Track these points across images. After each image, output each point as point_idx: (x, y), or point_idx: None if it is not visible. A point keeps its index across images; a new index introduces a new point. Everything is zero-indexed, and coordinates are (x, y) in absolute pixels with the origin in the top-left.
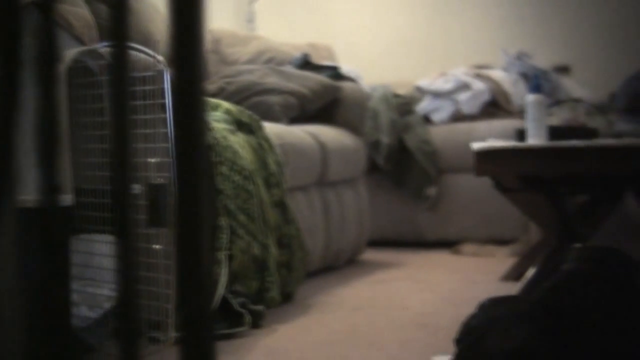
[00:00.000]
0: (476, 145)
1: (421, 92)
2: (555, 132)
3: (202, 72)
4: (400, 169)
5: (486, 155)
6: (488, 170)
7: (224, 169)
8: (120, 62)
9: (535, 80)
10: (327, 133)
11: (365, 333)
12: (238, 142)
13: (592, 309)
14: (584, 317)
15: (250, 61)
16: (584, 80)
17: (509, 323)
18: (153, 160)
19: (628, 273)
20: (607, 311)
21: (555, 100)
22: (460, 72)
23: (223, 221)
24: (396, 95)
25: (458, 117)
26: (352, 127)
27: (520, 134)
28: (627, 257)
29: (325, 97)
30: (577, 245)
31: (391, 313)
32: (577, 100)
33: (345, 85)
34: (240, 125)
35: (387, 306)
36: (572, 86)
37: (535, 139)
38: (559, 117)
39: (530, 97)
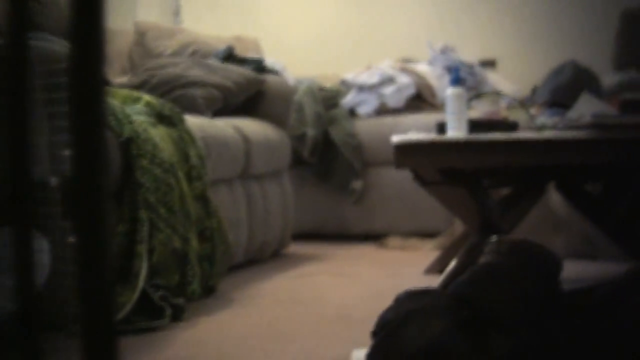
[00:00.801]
0: (396, 138)
1: (347, 85)
2: (475, 125)
3: (102, 63)
4: (326, 163)
5: (406, 148)
6: (408, 163)
7: (144, 162)
8: (19, 55)
9: (455, 73)
10: (251, 126)
11: (285, 326)
12: (159, 135)
13: (507, 302)
14: (499, 311)
15: (175, 54)
16: (509, 74)
17: (425, 317)
18: (67, 152)
19: (545, 266)
20: (523, 304)
21: (476, 93)
22: (385, 66)
23: (143, 214)
24: (322, 89)
25: (383, 110)
26: (277, 120)
27: (441, 127)
28: (544, 250)
29: (249, 90)
30: (495, 238)
31: (313, 306)
32: (498, 94)
33: (270, 78)
34: (162, 118)
35: (309, 299)
36: (497, 80)
37: (454, 132)
38: (479, 111)
39: (450, 90)
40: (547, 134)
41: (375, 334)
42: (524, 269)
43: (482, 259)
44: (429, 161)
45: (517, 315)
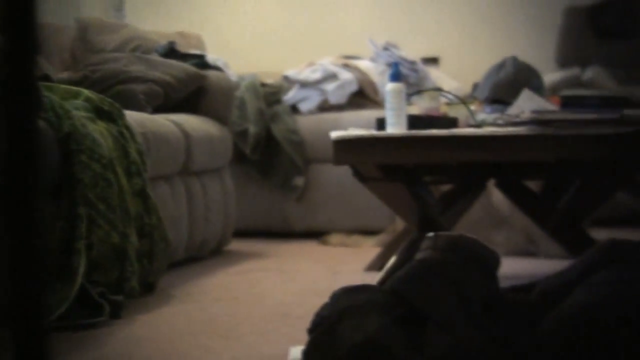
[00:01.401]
0: (334, 134)
1: (289, 81)
2: (414, 121)
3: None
4: (268, 159)
5: (345, 144)
6: (347, 159)
7: (83, 158)
8: None
9: (395, 69)
10: (192, 122)
11: (225, 323)
12: (98, 130)
13: (444, 298)
14: (435, 307)
15: (117, 49)
16: (452, 71)
17: (361, 313)
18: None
19: (482, 262)
20: (460, 301)
21: (416, 89)
22: (328, 62)
23: (82, 210)
24: (264, 85)
25: (325, 107)
26: (218, 116)
27: (380, 123)
28: (481, 246)
29: (190, 85)
30: (431, 234)
31: (252, 303)
32: (438, 90)
33: (212, 74)
34: (101, 114)
35: (249, 296)
36: (439, 77)
37: (394, 128)
38: (419, 107)
39: (390, 86)
40: (487, 130)
41: (311, 331)
42: (461, 265)
43: (419, 255)
44: (368, 157)
45: (454, 311)
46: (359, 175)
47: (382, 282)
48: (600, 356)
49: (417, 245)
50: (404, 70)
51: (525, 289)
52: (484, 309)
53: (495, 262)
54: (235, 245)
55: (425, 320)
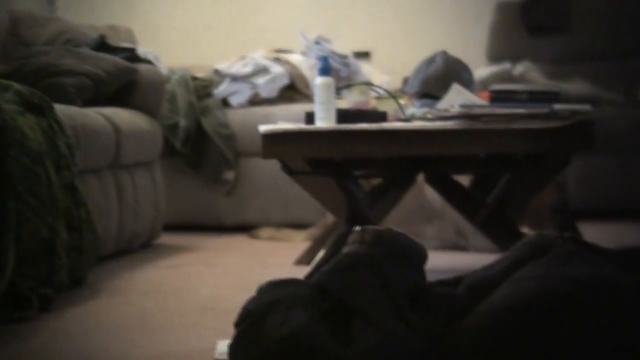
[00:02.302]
0: (263, 128)
1: (220, 75)
2: (343, 115)
3: None
4: (198, 153)
5: (273, 138)
6: (275, 153)
7: (13, 152)
8: None
9: (324, 63)
10: (122, 115)
11: (154, 317)
12: (27, 123)
13: (370, 292)
14: (362, 301)
15: (49, 42)
16: (384, 65)
17: (287, 307)
18: None
19: (409, 256)
20: (387, 294)
21: (346, 83)
22: (259, 56)
23: (10, 204)
24: (195, 78)
25: (256, 100)
26: (149, 109)
27: (309, 117)
28: (408, 240)
29: (121, 79)
30: (358, 228)
31: (182, 297)
32: (368, 84)
33: (142, 67)
34: (31, 107)
35: (178, 290)
36: (371, 71)
37: (322, 121)
38: (349, 101)
39: (319, 80)
40: (415, 125)
41: (237, 324)
42: (387, 258)
43: (346, 249)
44: (297, 151)
45: (380, 305)
46: (288, 169)
47: (310, 275)
48: (524, 350)
49: (345, 239)
50: (335, 64)
51: (452, 283)
52: (411, 302)
53: (422, 256)
54: (165, 239)
55: (351, 314)
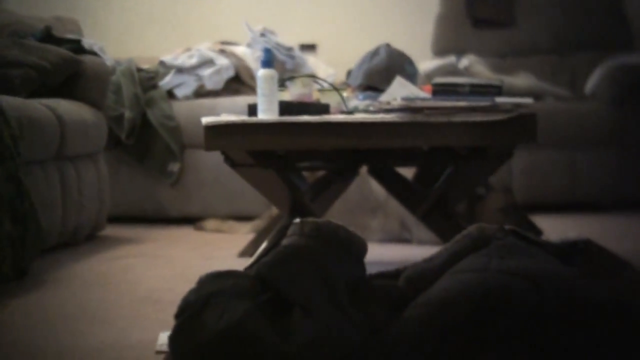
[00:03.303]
0: (205, 120)
1: (165, 67)
2: (286, 108)
3: None
4: (143, 145)
5: (216, 130)
6: (218, 145)
7: None
8: None
9: (267, 55)
10: (67, 107)
11: (96, 309)
12: None
13: (310, 284)
14: (301, 293)
15: None
16: (330, 58)
17: (226, 299)
18: None
19: (349, 248)
20: (326, 286)
21: (289, 76)
22: (204, 48)
23: None
24: (140, 70)
25: (202, 92)
26: (93, 101)
27: (252, 109)
28: (348, 232)
29: (65, 70)
30: (297, 220)
31: (125, 289)
32: (311, 77)
33: (87, 58)
34: None
35: (121, 282)
36: (316, 64)
37: (265, 114)
38: (291, 93)
39: (261, 72)
40: (357, 117)
41: (177, 316)
42: (326, 251)
43: (286, 241)
44: (239, 143)
45: (319, 297)
46: (230, 161)
47: (250, 267)
48: (462, 342)
49: (286, 231)
50: (280, 56)
51: (392, 275)
52: (350, 294)
53: (361, 248)
54: (110, 231)
55: (291, 306)
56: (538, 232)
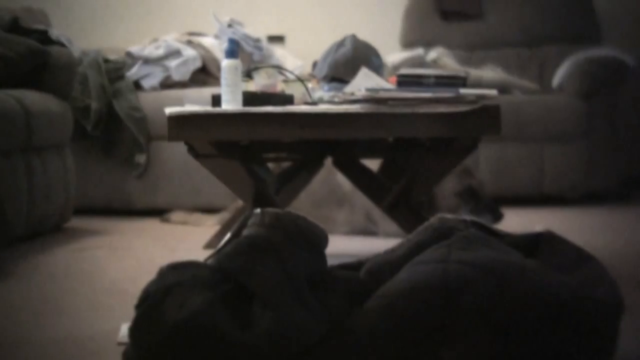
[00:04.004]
0: (169, 110)
1: (132, 58)
2: (250, 98)
3: None
4: (110, 136)
5: (179, 120)
6: (181, 136)
7: None
8: None
9: (230, 46)
10: (33, 98)
11: (59, 300)
12: None
13: (269, 275)
14: (261, 284)
15: None
16: (298, 50)
17: (186, 290)
18: None
19: (309, 239)
20: (286, 277)
21: (253, 67)
22: (171, 39)
23: None
24: (107, 61)
25: (169, 83)
26: (60, 92)
27: (216, 100)
28: (308, 223)
29: (32, 61)
30: (258, 210)
31: (88, 280)
32: (276, 67)
33: (54, 49)
34: None
35: (85, 273)
36: (284, 55)
37: (228, 104)
38: (256, 84)
39: (225, 63)
40: (321, 108)
41: (138, 306)
42: (287, 241)
43: (246, 232)
44: (202, 134)
45: (278, 288)
46: (194, 151)
47: (211, 258)
48: (421, 334)
49: (247, 222)
50: (248, 48)
51: (354, 267)
52: (311, 285)
53: (322, 240)
54: (76, 222)
55: (251, 297)
56: (498, 215)
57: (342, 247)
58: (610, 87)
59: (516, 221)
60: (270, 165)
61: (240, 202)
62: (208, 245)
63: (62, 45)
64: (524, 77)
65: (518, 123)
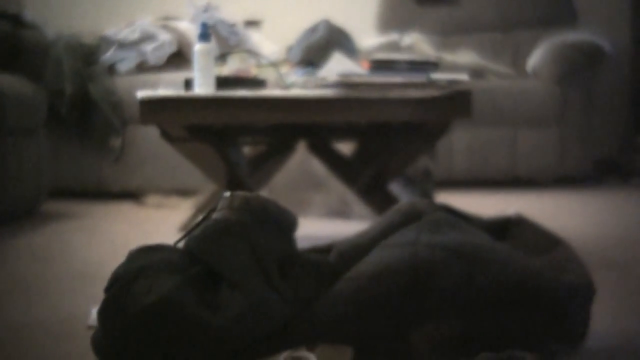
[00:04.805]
0: (141, 94)
1: (107, 41)
2: (222, 82)
3: None
4: (85, 120)
5: (151, 104)
6: (153, 119)
7: None
8: None
9: (203, 29)
10: (6, 81)
11: (31, 283)
12: None
13: (238, 258)
14: (229, 267)
15: None
16: (274, 35)
17: (155, 272)
18: None
19: (278, 222)
20: (255, 260)
21: (226, 51)
22: (146, 23)
23: None
24: (81, 44)
25: (144, 67)
26: (33, 75)
27: (188, 83)
28: (277, 207)
29: (5, 44)
30: (227, 193)
31: (59, 264)
32: (249, 52)
33: (27, 33)
34: None
35: (56, 257)
36: (260, 40)
37: (201, 88)
38: (229, 68)
39: (198, 47)
40: (293, 92)
41: (107, 290)
42: (255, 224)
43: (215, 215)
44: (174, 118)
45: (247, 271)
46: (167, 135)
47: (180, 241)
48: (389, 317)
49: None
50: (223, 32)
51: (324, 250)
52: (280, 268)
53: (291, 223)
54: (50, 206)
55: (220, 280)
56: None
57: (316, 229)
58: (585, 72)
59: (489, 204)
60: (247, 149)
61: (215, 186)
62: (183, 229)
63: (35, 28)
64: (499, 61)
65: (492, 107)
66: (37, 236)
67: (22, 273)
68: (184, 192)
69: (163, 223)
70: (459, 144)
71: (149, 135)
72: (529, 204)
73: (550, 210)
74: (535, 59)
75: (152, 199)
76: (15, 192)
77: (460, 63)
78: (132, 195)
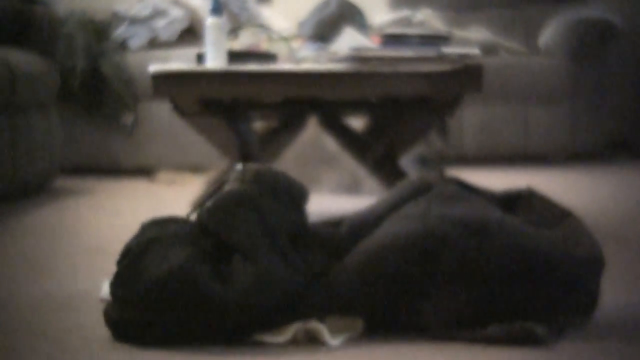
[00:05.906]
0: (153, 68)
1: (118, 17)
2: (234, 56)
3: None
4: (96, 96)
5: (164, 78)
6: (166, 93)
7: None
8: None
9: (215, 3)
10: (17, 56)
11: (44, 259)
12: None
13: (250, 230)
14: (241, 239)
15: None
16: (284, 11)
17: (167, 244)
18: None
19: (290, 195)
20: (266, 233)
21: (237, 25)
22: None
23: None
24: (93, 21)
25: (155, 43)
26: (45, 51)
27: (200, 57)
28: (289, 179)
29: (16, 20)
30: (239, 166)
31: (72, 239)
32: (260, 26)
33: (38, 8)
34: None
35: (69, 232)
36: (271, 16)
37: (213, 62)
38: (240, 43)
39: (210, 21)
40: (304, 66)
41: (119, 262)
42: (267, 196)
43: (227, 187)
44: (187, 91)
45: (258, 242)
46: (179, 109)
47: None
48: (401, 288)
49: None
50: (234, 8)
51: (335, 223)
52: (291, 241)
53: (303, 195)
54: (62, 182)
55: (232, 252)
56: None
57: (327, 205)
58: (597, 49)
59: (500, 181)
60: (258, 124)
61: (228, 161)
62: (195, 205)
63: (46, 4)
64: (511, 38)
65: (503, 84)
66: (49, 212)
67: (34, 249)
68: (195, 169)
69: (175, 199)
70: (470, 120)
71: (161, 111)
72: (540, 180)
73: (561, 186)
74: (547, 35)
75: (164, 176)
76: (27, 168)
77: (472, 39)
78: (144, 171)
